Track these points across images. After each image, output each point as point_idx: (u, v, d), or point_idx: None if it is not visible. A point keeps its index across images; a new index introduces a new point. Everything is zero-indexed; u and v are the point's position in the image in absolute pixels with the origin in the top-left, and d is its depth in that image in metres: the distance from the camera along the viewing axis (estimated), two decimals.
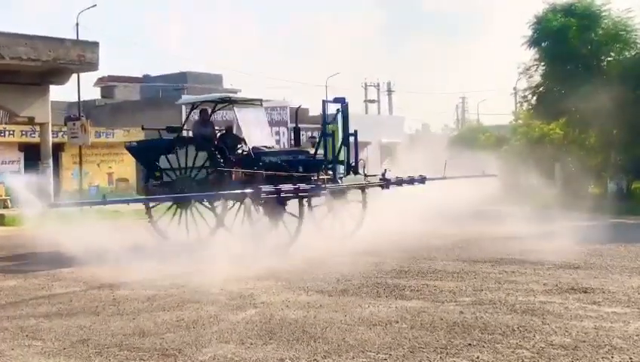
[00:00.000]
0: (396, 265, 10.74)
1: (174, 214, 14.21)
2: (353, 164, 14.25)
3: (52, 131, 28.90)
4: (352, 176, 14.23)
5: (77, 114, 31.58)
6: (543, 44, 24.20)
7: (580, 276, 9.38)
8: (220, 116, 19.55)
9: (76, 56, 27.47)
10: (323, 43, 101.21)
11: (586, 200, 20.01)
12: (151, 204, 14.71)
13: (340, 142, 13.91)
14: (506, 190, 19.05)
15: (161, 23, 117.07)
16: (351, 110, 14.81)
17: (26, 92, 27.31)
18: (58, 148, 31.03)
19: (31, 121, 28.73)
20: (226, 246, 12.62)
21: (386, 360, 5.70)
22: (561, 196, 20.31)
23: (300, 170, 13.30)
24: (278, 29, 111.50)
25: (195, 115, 15.29)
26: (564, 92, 23.58)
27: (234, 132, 15.18)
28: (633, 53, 23.38)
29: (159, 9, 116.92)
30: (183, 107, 40.38)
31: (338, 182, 13.68)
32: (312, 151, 14.40)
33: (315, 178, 12.89)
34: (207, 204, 13.89)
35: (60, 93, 42.76)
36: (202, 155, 13.67)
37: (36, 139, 28.98)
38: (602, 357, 5.55)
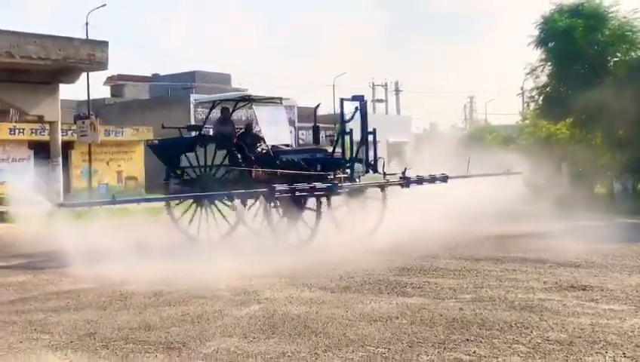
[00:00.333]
0: (400, 263, 10.72)
1: (195, 211, 14.17)
2: (372, 162, 14.17)
3: (62, 129, 29.05)
4: (371, 174, 14.11)
5: (86, 112, 31.72)
6: (549, 44, 24.13)
7: (580, 274, 9.42)
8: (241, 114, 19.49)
9: (86, 55, 27.61)
10: (328, 43, 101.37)
11: (591, 200, 20.03)
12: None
13: (358, 141, 13.88)
14: (526, 189, 18.97)
15: (171, 22, 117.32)
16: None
17: (36, 91, 27.47)
18: (67, 147, 31.17)
19: (40, 119, 28.90)
20: (242, 243, 12.78)
21: (384, 354, 5.80)
22: (567, 196, 20.31)
23: (318, 168, 13.23)
24: (283, 29, 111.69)
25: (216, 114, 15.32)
26: (571, 92, 23.53)
27: (254, 130, 15.07)
28: (639, 54, 23.36)
29: (169, 9, 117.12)
30: (192, 106, 40.70)
31: (356, 181, 13.57)
32: (330, 149, 14.39)
33: (332, 177, 12.79)
34: (227, 201, 13.78)
35: (70, 91, 43.04)
36: (222, 153, 13.64)
37: (46, 137, 29.13)
38: (596, 353, 5.65)
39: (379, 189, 14.07)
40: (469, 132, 47.61)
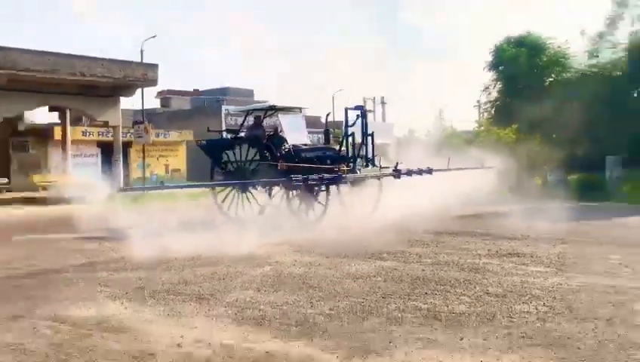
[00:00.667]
0: (382, 236, 10.54)
1: (233, 196, 13.99)
2: (370, 158, 14.00)
3: (122, 132, 29.22)
4: (370, 167, 13.91)
5: (141, 119, 31.80)
6: (499, 67, 24.22)
7: (517, 244, 9.47)
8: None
9: (140, 74, 27.73)
10: (330, 64, 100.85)
11: (531, 189, 19.97)
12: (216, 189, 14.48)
13: (359, 141, 13.68)
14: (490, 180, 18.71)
15: (207, 48, 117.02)
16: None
17: (102, 102, 27.63)
18: (127, 146, 31.27)
19: (106, 124, 29.08)
20: (266, 221, 12.62)
21: (363, 303, 5.89)
22: (513, 186, 20.23)
23: (328, 162, 13.11)
24: (295, 54, 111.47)
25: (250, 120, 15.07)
26: (516, 105, 23.61)
27: (279, 133, 14.70)
28: (569, 75, 23.39)
29: (206, 39, 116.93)
30: (223, 114, 40.73)
31: (357, 173, 13.35)
32: (337, 147, 14.17)
33: (338, 169, 12.60)
34: (260, 188, 13.61)
35: (129, 103, 43.02)
36: (254, 151, 13.54)
37: (110, 138, 29.26)
38: (523, 303, 5.75)
39: (376, 179, 13.89)
40: (439, 136, 47.38)
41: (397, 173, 13.77)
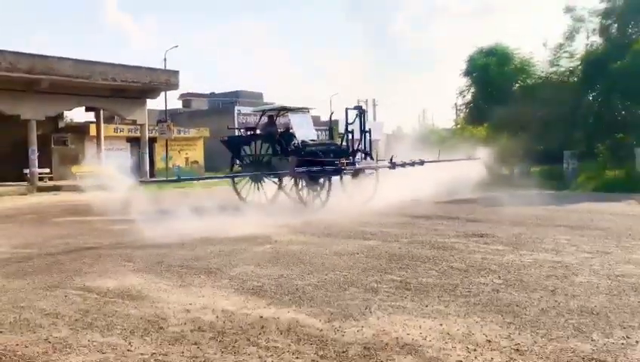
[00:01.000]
0: (368, 219, 10.70)
1: (250, 185, 13.90)
2: (368, 151, 14.01)
3: (148, 129, 29.28)
4: (368, 160, 13.88)
5: (165, 118, 31.87)
6: (473, 74, 24.16)
7: (481, 226, 9.48)
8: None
9: (164, 80, 27.75)
10: (326, 71, 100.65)
11: (499, 180, 20.00)
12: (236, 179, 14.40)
13: (359, 137, 13.67)
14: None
15: (222, 57, 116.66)
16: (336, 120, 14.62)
17: (131, 103, 27.67)
18: (152, 141, 31.34)
19: (134, 122, 29.13)
20: (276, 207, 12.57)
21: (346, 275, 5.95)
22: (484, 176, 20.18)
23: (331, 156, 13.02)
24: (297, 61, 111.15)
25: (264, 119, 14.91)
26: (487, 107, 23.58)
27: (290, 131, 14.55)
28: (533, 81, 23.35)
29: (222, 48, 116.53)
30: (235, 114, 40.73)
31: (355, 165, 13.33)
32: (339, 143, 14.09)
33: (338, 162, 12.57)
34: (273, 179, 13.52)
35: (155, 104, 43.11)
36: (268, 146, 13.45)
37: (137, 134, 29.34)
38: (481, 276, 5.80)
39: (374, 171, 13.80)
40: (421, 134, 47.27)
41: (392, 165, 13.65)
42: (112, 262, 7.11)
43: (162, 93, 29.86)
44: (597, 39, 21.69)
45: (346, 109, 13.74)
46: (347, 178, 13.52)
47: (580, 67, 21.48)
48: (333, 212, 11.59)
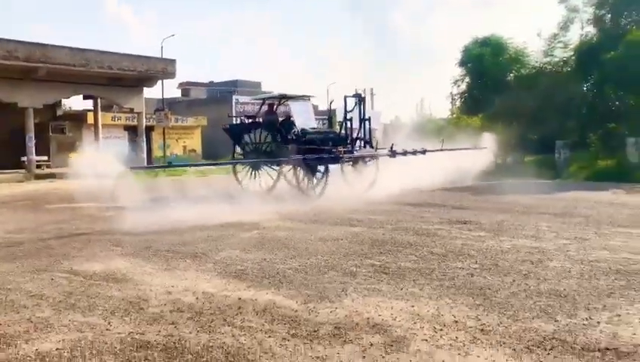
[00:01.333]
0: (355, 206, 10.66)
1: (250, 173, 13.83)
2: (368, 139, 13.79)
3: (145, 117, 29.30)
4: (367, 148, 13.67)
5: (162, 106, 31.88)
6: (468, 64, 24.14)
7: (466, 214, 9.53)
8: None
9: (160, 68, 27.72)
10: (325, 60, 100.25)
11: (492, 169, 19.98)
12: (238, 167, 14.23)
13: (358, 125, 13.46)
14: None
15: (221, 46, 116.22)
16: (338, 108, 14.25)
17: (128, 92, 27.67)
18: (150, 129, 31.40)
19: (131, 110, 29.15)
20: (273, 194, 12.42)
21: (327, 260, 6.05)
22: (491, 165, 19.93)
23: (330, 144, 12.88)
24: (296, 51, 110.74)
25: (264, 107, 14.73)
26: (481, 97, 23.61)
27: (291, 119, 14.32)
28: (527, 72, 23.34)
29: (221, 37, 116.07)
30: (233, 103, 40.68)
31: (353, 153, 13.12)
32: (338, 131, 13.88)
33: (336, 150, 12.43)
34: (273, 166, 13.37)
35: (155, 92, 43.02)
36: (268, 134, 13.29)
37: (135, 122, 29.37)
38: (459, 261, 5.88)
39: (374, 159, 13.53)
40: (419, 123, 47.21)
41: (392, 153, 13.39)
42: (101, 246, 7.21)
43: (160, 82, 29.82)
44: (591, 29, 21.71)
45: (345, 97, 13.56)
46: (348, 166, 13.40)
47: (573, 57, 21.47)
48: (330, 199, 11.56)
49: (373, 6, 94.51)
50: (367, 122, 13.73)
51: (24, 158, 24.68)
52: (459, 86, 24.95)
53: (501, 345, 3.55)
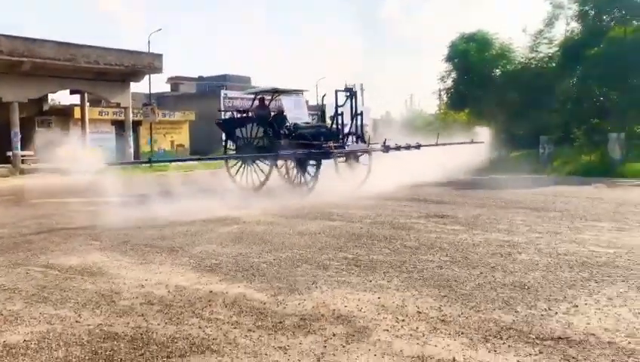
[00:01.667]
0: (340, 201, 10.71)
1: (243, 167, 13.51)
2: (360, 134, 13.69)
3: (133, 112, 29.21)
4: (360, 143, 13.53)
5: (149, 101, 31.76)
6: (455, 60, 24.23)
7: (444, 208, 9.64)
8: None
9: (147, 63, 27.64)
10: (313, 54, 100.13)
11: (487, 163, 19.90)
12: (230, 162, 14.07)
13: (349, 120, 13.35)
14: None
15: (210, 41, 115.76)
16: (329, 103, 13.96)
17: (115, 86, 27.57)
18: (137, 124, 31.29)
19: (118, 105, 29.02)
20: (262, 190, 12.31)
21: (302, 253, 6.13)
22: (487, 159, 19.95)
23: (322, 139, 12.78)
24: (285, 45, 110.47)
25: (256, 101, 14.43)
26: (468, 92, 23.72)
27: (284, 114, 14.22)
28: (512, 68, 23.49)
29: (209, 32, 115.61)
30: (221, 98, 40.61)
31: (344, 148, 13.02)
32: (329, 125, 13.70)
33: (326, 145, 12.31)
34: (265, 161, 13.02)
35: (142, 87, 42.90)
36: (260, 129, 13.14)
37: (122, 117, 29.28)
38: (430, 254, 5.96)
39: (366, 154, 13.44)
40: (409, 118, 47.33)
41: (385, 148, 13.25)
42: (80, 241, 7.24)
43: (147, 76, 29.71)
44: (576, 25, 21.86)
45: (336, 91, 13.45)
46: (341, 161, 13.33)
47: (558, 53, 21.65)
48: (320, 195, 11.52)
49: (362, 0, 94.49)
50: (359, 117, 13.65)
51: (9, 153, 24.54)
52: (444, 82, 25.01)
53: (459, 335, 3.65)
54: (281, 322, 3.96)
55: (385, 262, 5.68)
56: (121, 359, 3.37)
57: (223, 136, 14.92)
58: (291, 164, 12.82)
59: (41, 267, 5.81)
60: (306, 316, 4.08)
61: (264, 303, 4.41)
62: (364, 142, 13.69)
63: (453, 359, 3.28)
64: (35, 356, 3.43)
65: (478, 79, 23.41)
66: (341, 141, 13.14)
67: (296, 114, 13.82)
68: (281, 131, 13.07)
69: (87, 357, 3.39)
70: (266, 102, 14.39)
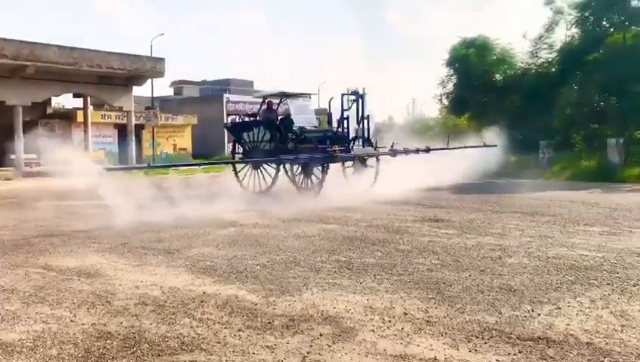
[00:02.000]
0: (339, 205, 10.66)
1: (251, 171, 13.54)
2: (367, 138, 13.55)
3: (135, 116, 29.38)
4: (367, 147, 13.38)
5: (152, 105, 31.92)
6: (455, 65, 24.34)
7: (441, 212, 9.70)
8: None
9: (150, 67, 27.83)
10: (318, 61, 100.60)
11: (501, 167, 19.80)
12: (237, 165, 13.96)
13: (356, 123, 13.24)
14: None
15: (215, 46, 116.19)
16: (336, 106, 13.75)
17: (117, 90, 27.78)
18: (140, 128, 31.45)
19: (121, 109, 29.22)
20: (268, 194, 12.33)
21: (296, 256, 6.22)
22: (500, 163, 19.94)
23: (328, 143, 12.74)
24: (286, 51, 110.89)
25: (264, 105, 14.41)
26: (468, 97, 23.83)
27: (291, 118, 14.11)
28: (513, 72, 23.58)
29: (214, 38, 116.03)
30: (224, 102, 40.78)
31: (350, 152, 12.90)
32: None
33: (331, 149, 12.23)
34: (272, 165, 13.14)
35: (144, 90, 43.14)
36: (268, 133, 13.15)
37: (125, 121, 29.45)
38: (422, 257, 6.05)
39: (375, 158, 13.32)
40: (411, 123, 47.43)
41: (393, 152, 13.11)
42: (79, 243, 7.36)
43: (150, 80, 29.89)
44: (576, 31, 21.96)
45: (342, 95, 13.38)
46: (348, 165, 13.27)
47: (557, 58, 21.75)
48: (326, 199, 11.52)
49: (367, 4, 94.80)
50: (366, 120, 13.55)
51: (13, 156, 24.73)
52: (445, 86, 25.12)
53: (443, 335, 3.75)
54: (270, 322, 4.06)
55: (377, 264, 5.78)
56: (113, 357, 3.47)
57: (229, 140, 14.99)
58: (297, 167, 12.81)
59: (40, 268, 5.92)
60: (295, 317, 4.18)
61: (255, 304, 4.52)
62: (372, 146, 13.57)
63: (435, 358, 3.38)
64: (30, 354, 3.54)
65: (479, 84, 23.52)
66: (347, 145, 13.09)
67: (302, 118, 13.79)
68: (288, 135, 13.06)
69: (79, 355, 3.50)
70: (274, 106, 14.34)
